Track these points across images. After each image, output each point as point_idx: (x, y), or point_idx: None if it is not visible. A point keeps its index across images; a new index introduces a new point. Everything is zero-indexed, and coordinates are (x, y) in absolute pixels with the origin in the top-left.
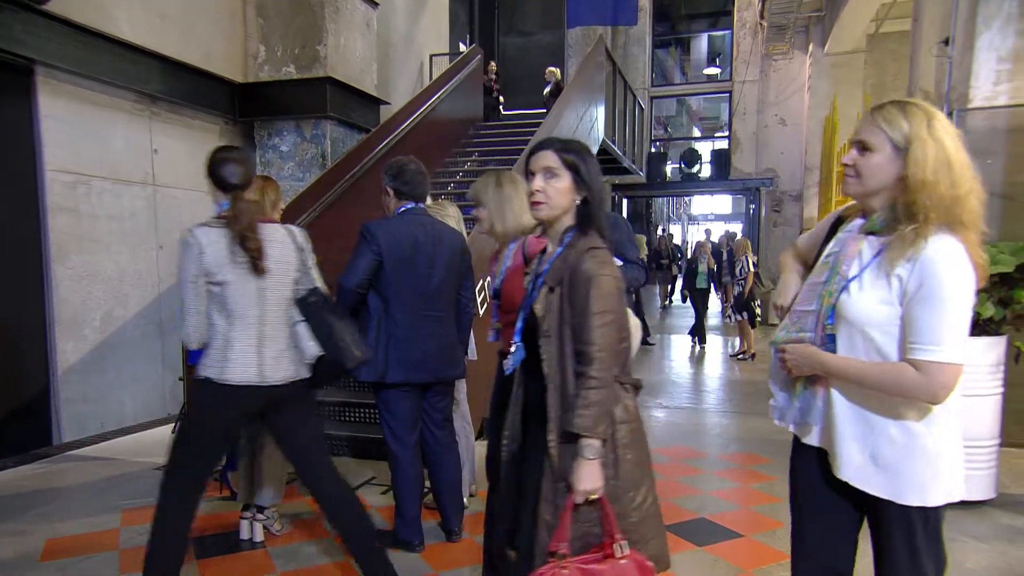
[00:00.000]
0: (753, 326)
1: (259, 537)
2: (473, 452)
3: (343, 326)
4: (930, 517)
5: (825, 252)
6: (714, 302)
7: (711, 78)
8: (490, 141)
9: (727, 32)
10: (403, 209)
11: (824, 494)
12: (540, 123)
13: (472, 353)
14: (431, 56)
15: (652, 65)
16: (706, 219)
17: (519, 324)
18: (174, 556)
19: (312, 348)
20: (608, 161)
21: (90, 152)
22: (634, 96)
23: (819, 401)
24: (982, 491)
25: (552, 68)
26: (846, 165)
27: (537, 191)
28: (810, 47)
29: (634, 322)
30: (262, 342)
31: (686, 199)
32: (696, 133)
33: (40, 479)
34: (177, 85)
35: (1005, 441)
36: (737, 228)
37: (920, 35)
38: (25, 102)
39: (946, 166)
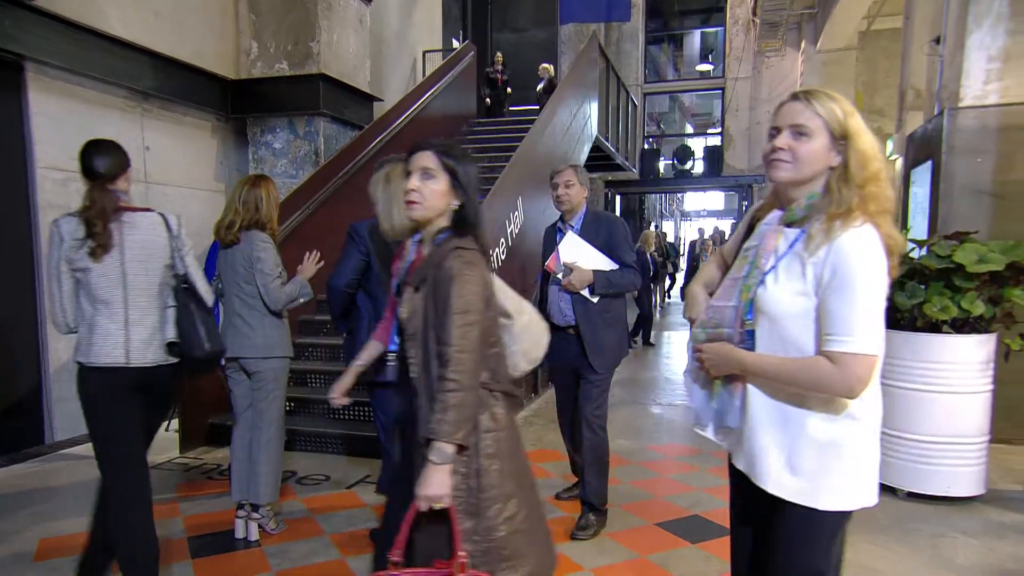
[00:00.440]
0: None
1: (254, 536)
2: None
3: (202, 316)
4: (838, 521)
5: (744, 246)
6: None
7: (704, 75)
8: (483, 138)
9: (720, 29)
10: None
11: (751, 506)
12: (533, 120)
13: None
14: (424, 52)
15: (645, 61)
16: (699, 215)
17: (393, 326)
18: (142, 549)
19: (171, 333)
20: (601, 158)
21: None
22: (627, 93)
23: (737, 401)
24: (972, 487)
25: (545, 64)
26: (778, 149)
27: (412, 191)
28: (802, 44)
29: (540, 326)
30: (128, 325)
31: (679, 196)
32: (689, 129)
33: (33, 478)
34: (169, 82)
35: (994, 437)
36: (727, 225)
37: (911, 33)
38: (15, 99)
39: (870, 158)
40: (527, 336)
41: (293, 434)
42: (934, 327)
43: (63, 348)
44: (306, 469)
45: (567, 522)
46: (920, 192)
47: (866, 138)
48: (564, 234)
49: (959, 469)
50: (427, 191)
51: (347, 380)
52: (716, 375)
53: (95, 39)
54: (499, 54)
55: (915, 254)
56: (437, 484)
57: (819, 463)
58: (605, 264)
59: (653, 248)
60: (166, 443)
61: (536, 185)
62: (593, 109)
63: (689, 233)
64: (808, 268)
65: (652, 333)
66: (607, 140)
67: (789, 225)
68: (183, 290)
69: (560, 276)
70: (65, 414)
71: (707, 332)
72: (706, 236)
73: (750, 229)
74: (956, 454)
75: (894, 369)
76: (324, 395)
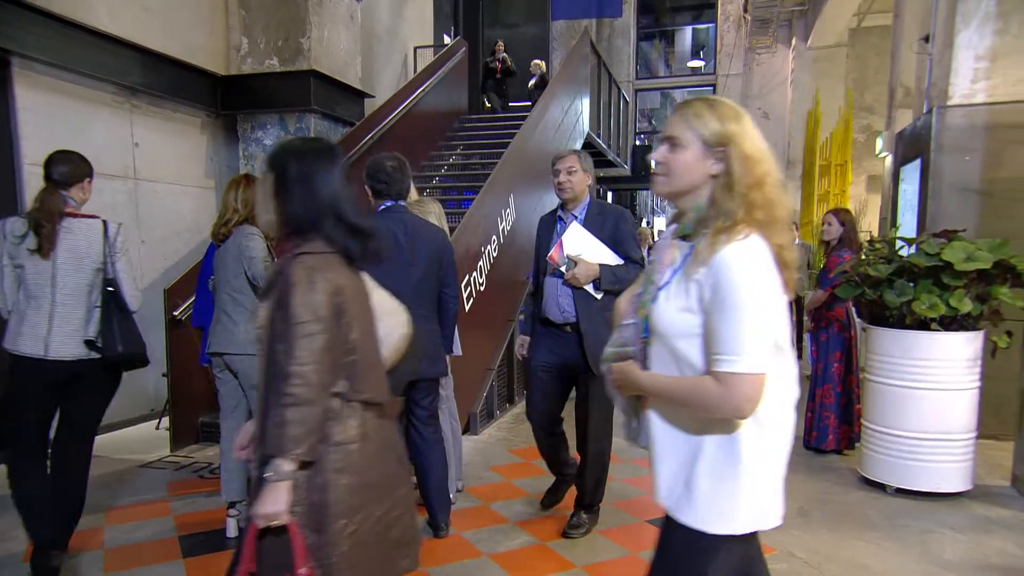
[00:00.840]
0: None
1: (232, 533)
2: (460, 448)
3: (119, 318)
4: (730, 546)
5: (648, 260)
6: None
7: (695, 71)
8: (475, 135)
9: (711, 25)
10: (382, 208)
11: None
12: (525, 116)
13: (457, 349)
14: (415, 48)
15: (637, 58)
16: None
17: None
18: (34, 520)
19: (93, 331)
20: (593, 154)
21: (69, 145)
22: (619, 89)
23: (646, 421)
24: (959, 483)
25: (537, 61)
26: (657, 162)
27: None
28: (793, 41)
29: (398, 318)
30: (52, 320)
31: None
32: None
33: None
34: (158, 78)
35: (981, 433)
36: None
37: (901, 31)
38: (1, 94)
39: (756, 164)
40: (388, 340)
41: None
42: (923, 324)
43: None
44: None
45: (560, 520)
46: (909, 189)
47: (749, 143)
48: (565, 224)
49: (947, 465)
50: (260, 199)
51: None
52: (624, 395)
53: (83, 34)
54: (500, 43)
55: (904, 252)
56: (273, 501)
57: (714, 485)
58: (610, 258)
59: (650, 244)
60: (157, 441)
61: (528, 182)
62: (585, 105)
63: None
64: (692, 284)
65: None
66: (599, 136)
67: (684, 238)
68: (107, 293)
69: (563, 269)
70: None
71: (616, 350)
72: None
73: None
74: (944, 450)
75: (884, 366)
76: None
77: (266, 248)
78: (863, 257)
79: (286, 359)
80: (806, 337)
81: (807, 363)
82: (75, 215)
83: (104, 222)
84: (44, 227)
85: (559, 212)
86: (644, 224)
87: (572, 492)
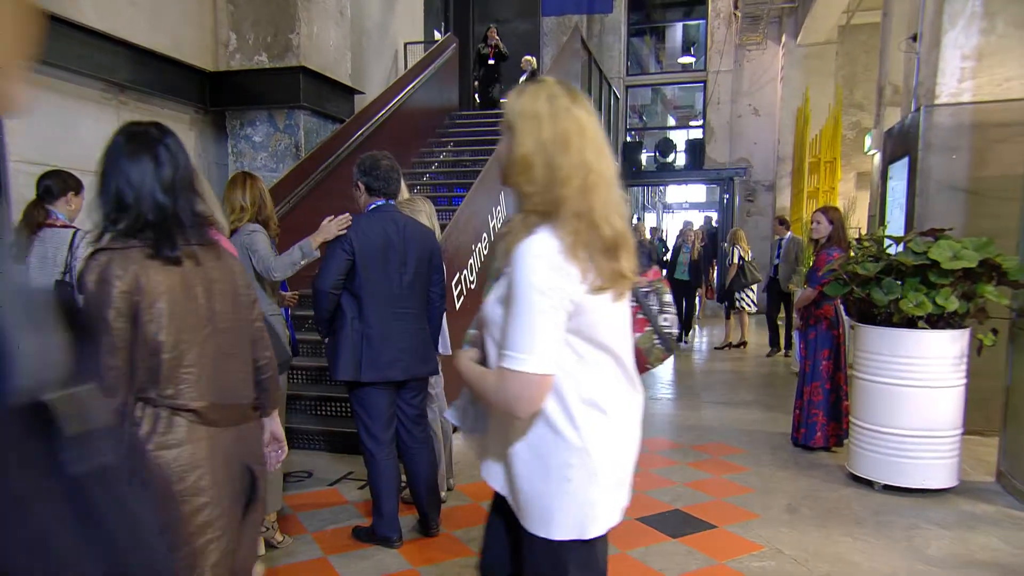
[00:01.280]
0: (727, 316)
1: (260, 551)
2: (451, 447)
3: (51, 327)
4: (561, 552)
5: None
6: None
7: (686, 67)
8: (465, 131)
9: (701, 22)
10: (373, 206)
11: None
12: None
13: (445, 348)
14: (405, 44)
15: (627, 54)
16: (681, 208)
17: None
18: None
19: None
20: None
21: (56, 142)
22: (609, 85)
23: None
24: (945, 479)
25: (528, 57)
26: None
27: None
28: (783, 38)
29: None
30: None
31: (660, 188)
32: (671, 122)
33: None
34: (146, 74)
35: (967, 429)
36: (695, 218)
37: (889, 30)
38: None
39: (558, 148)
40: None
41: None
42: (910, 322)
43: None
44: (288, 466)
45: None
46: (897, 187)
47: (548, 128)
48: None
49: (934, 462)
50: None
51: None
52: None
53: (69, 30)
54: (492, 27)
55: (892, 250)
56: None
57: (528, 488)
58: None
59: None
60: None
61: None
62: None
63: (673, 225)
64: (504, 277)
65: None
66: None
67: None
68: (56, 300)
69: None
70: None
71: (470, 332)
72: (694, 227)
73: None
74: (931, 447)
75: (871, 364)
76: (306, 391)
77: (268, 241)
78: (852, 255)
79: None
80: (795, 335)
81: (796, 360)
82: (53, 225)
83: (75, 232)
84: (22, 234)
85: None
86: (635, 219)
87: None
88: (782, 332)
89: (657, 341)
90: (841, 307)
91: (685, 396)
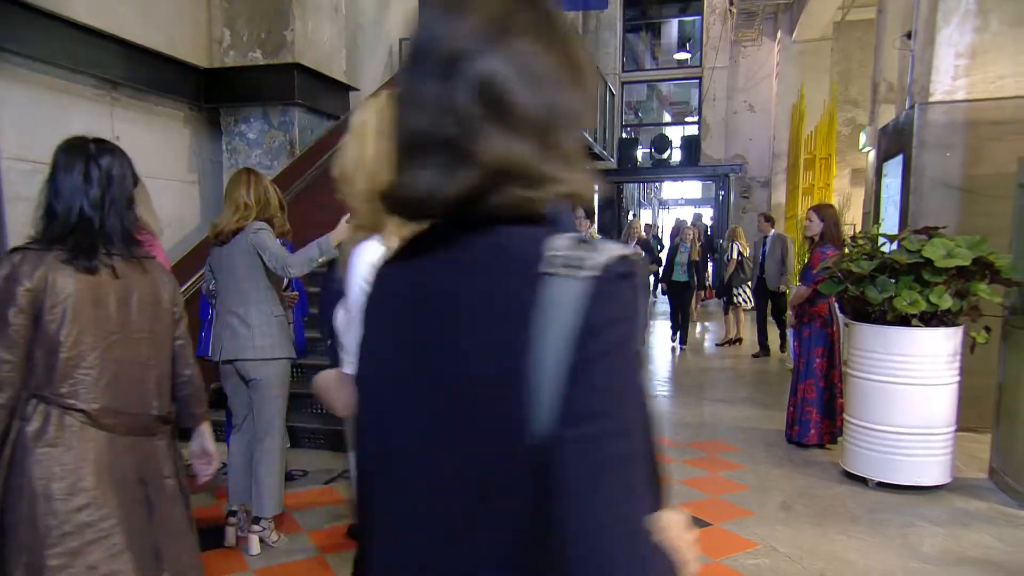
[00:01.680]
0: (726, 311)
1: (255, 550)
2: None
3: None
4: None
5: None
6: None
7: (681, 63)
8: None
9: (697, 18)
10: None
11: None
12: None
13: None
14: (401, 41)
15: (623, 50)
16: (676, 204)
17: None
18: None
19: None
20: None
21: (48, 139)
22: (605, 81)
23: None
24: (938, 476)
25: None
26: None
27: None
28: (778, 34)
29: None
30: None
31: (656, 184)
32: (666, 118)
33: None
34: (139, 70)
35: (960, 426)
36: (687, 214)
37: (884, 26)
38: None
39: (373, 158)
40: None
41: None
42: (904, 320)
43: None
44: (286, 464)
45: None
46: (892, 184)
47: (365, 138)
48: None
49: (927, 459)
50: None
51: None
52: None
53: (61, 26)
54: None
55: (886, 248)
56: None
57: None
58: None
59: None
60: None
61: None
62: None
63: (667, 222)
64: None
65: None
66: (585, 129)
67: None
68: None
69: None
70: None
71: None
72: (689, 225)
73: None
74: (925, 444)
75: (865, 362)
76: (303, 389)
77: (275, 238)
78: (846, 253)
79: None
80: (789, 333)
81: (790, 358)
82: None
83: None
84: None
85: None
86: (631, 215)
87: None
88: (773, 333)
89: None
90: (835, 305)
91: (681, 393)
